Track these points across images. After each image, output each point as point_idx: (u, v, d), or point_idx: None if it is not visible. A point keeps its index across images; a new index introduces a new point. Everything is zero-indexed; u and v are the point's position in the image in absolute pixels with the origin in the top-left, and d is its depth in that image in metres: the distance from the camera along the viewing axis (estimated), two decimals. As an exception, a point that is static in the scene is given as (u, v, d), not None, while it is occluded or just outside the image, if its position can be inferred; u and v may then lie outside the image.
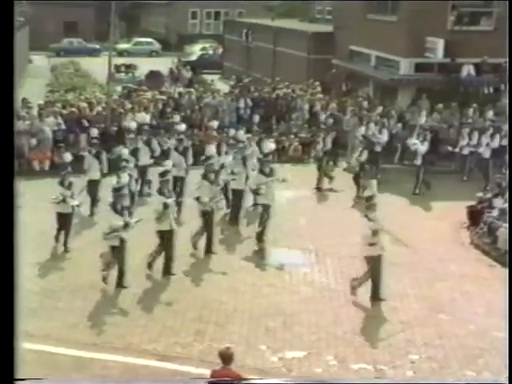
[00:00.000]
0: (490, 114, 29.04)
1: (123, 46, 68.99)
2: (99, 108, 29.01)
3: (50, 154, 26.71)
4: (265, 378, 12.91)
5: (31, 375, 11.90)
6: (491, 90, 31.87)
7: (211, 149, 23.72)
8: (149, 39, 73.09)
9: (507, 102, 27.86)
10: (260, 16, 60.70)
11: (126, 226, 16.47)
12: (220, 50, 60.06)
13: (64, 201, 18.87)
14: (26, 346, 13.09)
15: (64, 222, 19.20)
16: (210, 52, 61.77)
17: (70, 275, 17.52)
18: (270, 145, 25.41)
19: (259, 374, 13.07)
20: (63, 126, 27.43)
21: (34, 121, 27.17)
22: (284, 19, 55.29)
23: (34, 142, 26.53)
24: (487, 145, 26.11)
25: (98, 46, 68.23)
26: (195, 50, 61.88)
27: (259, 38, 48.80)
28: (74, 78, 46.50)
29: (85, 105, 29.17)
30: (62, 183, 19.19)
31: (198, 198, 18.81)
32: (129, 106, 29.74)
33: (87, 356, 13.68)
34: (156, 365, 13.44)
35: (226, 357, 10.40)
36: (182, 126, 27.87)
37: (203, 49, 62.33)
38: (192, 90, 33.90)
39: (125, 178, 20.56)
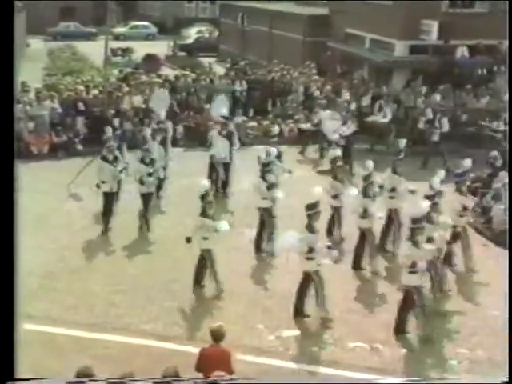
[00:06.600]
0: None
1: (120, 29, 69.01)
2: (96, 91, 29.10)
3: (48, 137, 26.84)
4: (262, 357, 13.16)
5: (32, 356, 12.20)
6: (485, 71, 32.01)
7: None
8: (145, 23, 73.09)
9: (507, 98, 27.66)
10: (256, -1, 60.59)
11: None
12: (216, 34, 60.06)
13: None
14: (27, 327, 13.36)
15: None
16: (206, 35, 61.77)
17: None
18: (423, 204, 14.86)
19: (256, 352, 13.33)
20: (60, 110, 27.54)
21: (32, 104, 27.28)
22: (280, 2, 55.22)
23: (31, 125, 26.63)
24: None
25: (94, 30, 68.17)
26: (191, 34, 61.84)
27: (255, 21, 48.71)
28: (71, 61, 46.62)
29: (82, 88, 29.30)
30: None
31: None
32: (126, 89, 29.82)
33: (87, 336, 13.85)
34: (155, 345, 13.61)
35: (218, 335, 10.58)
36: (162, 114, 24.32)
37: (199, 32, 62.33)
38: (188, 72, 33.91)
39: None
